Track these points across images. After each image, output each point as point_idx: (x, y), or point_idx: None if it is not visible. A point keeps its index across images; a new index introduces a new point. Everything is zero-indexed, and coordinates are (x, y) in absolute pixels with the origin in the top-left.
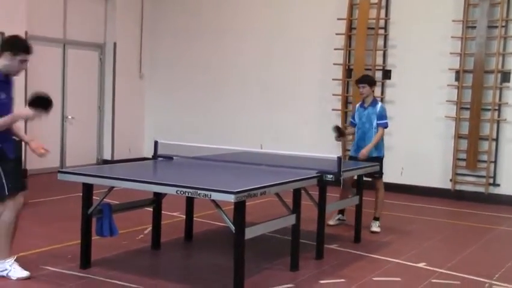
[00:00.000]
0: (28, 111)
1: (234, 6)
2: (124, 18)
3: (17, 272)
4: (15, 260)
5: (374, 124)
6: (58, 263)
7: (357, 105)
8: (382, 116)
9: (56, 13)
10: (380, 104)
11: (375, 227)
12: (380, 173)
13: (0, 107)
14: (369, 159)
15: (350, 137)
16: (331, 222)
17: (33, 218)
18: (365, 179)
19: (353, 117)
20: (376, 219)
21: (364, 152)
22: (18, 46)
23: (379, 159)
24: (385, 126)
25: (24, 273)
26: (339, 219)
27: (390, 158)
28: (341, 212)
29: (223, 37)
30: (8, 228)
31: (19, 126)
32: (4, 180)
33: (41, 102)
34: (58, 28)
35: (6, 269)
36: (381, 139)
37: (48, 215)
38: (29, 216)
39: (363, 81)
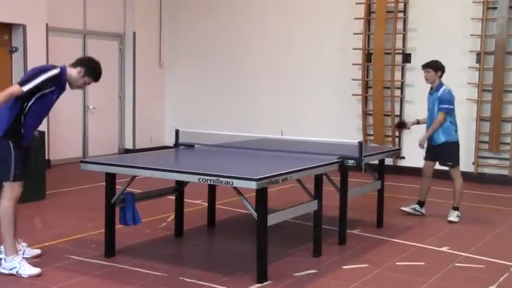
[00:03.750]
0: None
1: None
2: (143, 7)
3: (26, 269)
4: (23, 256)
5: (436, 109)
6: (83, 252)
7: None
8: (443, 100)
9: (76, 4)
10: (444, 87)
11: (453, 216)
12: (450, 162)
13: (44, 105)
14: (438, 146)
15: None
16: (406, 209)
17: (57, 208)
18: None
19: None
20: (455, 209)
21: (420, 140)
22: (93, 72)
23: (449, 146)
24: (446, 111)
25: (35, 270)
26: (415, 209)
27: (413, 141)
28: (420, 203)
29: (243, 24)
30: (8, 219)
31: None
32: (13, 166)
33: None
34: (78, 19)
35: (15, 267)
36: (451, 124)
37: (71, 205)
38: (53, 207)
39: (427, 65)
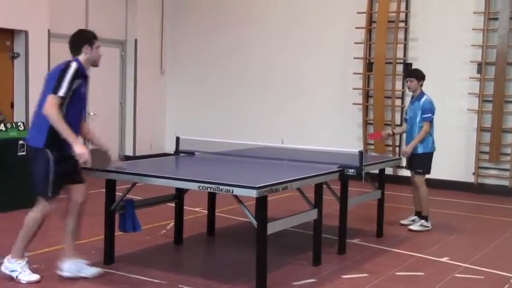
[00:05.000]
0: (84, 150)
1: (255, 1)
2: (145, 14)
3: (26, 275)
4: (26, 262)
5: (418, 119)
6: (82, 258)
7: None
8: (425, 109)
9: (78, 11)
10: (425, 97)
11: (416, 226)
12: (420, 169)
13: (78, 100)
14: (415, 155)
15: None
16: (405, 222)
17: (57, 214)
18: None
19: (406, 113)
20: (423, 218)
21: (405, 149)
22: (90, 36)
23: (425, 155)
24: (430, 120)
25: (34, 277)
26: (413, 220)
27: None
28: (418, 213)
29: (244, 32)
30: (31, 228)
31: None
32: (51, 182)
33: (99, 157)
34: (80, 25)
35: (16, 270)
36: (429, 134)
37: None
38: (53, 212)
39: (410, 74)
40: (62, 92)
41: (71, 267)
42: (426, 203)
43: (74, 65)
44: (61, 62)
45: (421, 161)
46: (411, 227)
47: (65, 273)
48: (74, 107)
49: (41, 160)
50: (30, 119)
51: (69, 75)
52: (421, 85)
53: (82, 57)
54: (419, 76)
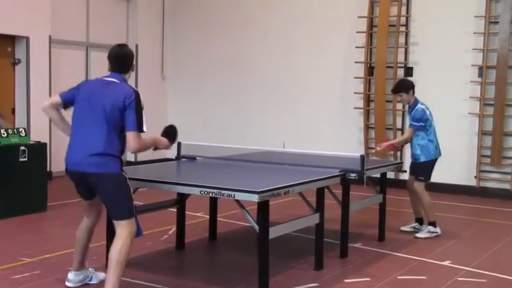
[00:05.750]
0: (167, 141)
1: (255, 5)
2: (146, 20)
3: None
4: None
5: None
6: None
7: None
8: (413, 118)
9: (79, 17)
10: (418, 105)
11: (423, 233)
12: (422, 177)
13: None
14: (417, 164)
15: None
16: (405, 229)
17: (58, 220)
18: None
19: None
20: (430, 223)
21: (379, 145)
22: (133, 56)
23: (427, 163)
24: (414, 127)
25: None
26: (414, 227)
27: None
28: (418, 220)
29: (245, 36)
30: (123, 261)
31: None
32: (132, 200)
33: (172, 133)
34: (81, 31)
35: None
36: (430, 142)
37: (73, 216)
38: (54, 218)
39: (397, 90)
40: (145, 127)
41: (78, 277)
42: (430, 209)
43: (134, 94)
44: (117, 83)
45: (423, 169)
46: (418, 235)
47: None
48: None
49: (121, 183)
50: (85, 145)
51: (141, 104)
52: (413, 93)
53: (126, 77)
54: (406, 88)
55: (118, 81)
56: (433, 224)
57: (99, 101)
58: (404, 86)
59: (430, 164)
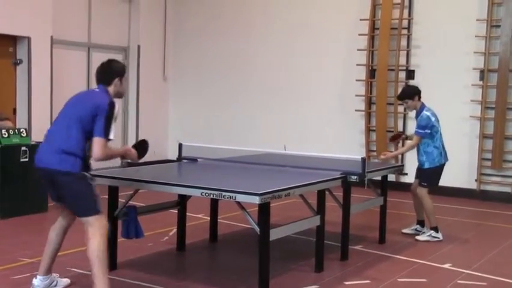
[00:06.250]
0: (135, 155)
1: (257, 7)
2: (148, 21)
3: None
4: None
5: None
6: (84, 265)
7: None
8: (419, 125)
9: (81, 17)
10: (424, 112)
11: (424, 236)
12: (424, 183)
13: None
14: (423, 170)
15: None
16: (406, 231)
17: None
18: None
19: None
20: (431, 228)
21: (383, 154)
22: (121, 70)
23: (432, 170)
24: (419, 135)
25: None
26: (416, 229)
27: (415, 158)
28: (420, 222)
29: (246, 38)
30: (103, 259)
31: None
32: (94, 196)
33: (143, 149)
34: (83, 32)
35: None
36: (436, 148)
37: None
38: (55, 219)
39: (402, 98)
40: (112, 135)
41: (44, 283)
42: (431, 214)
43: (110, 101)
44: (97, 91)
45: (427, 176)
46: (419, 238)
47: None
48: None
49: (81, 181)
50: (47, 139)
51: (112, 112)
52: (419, 99)
53: (111, 89)
54: (410, 94)
55: (98, 90)
56: (435, 229)
57: (76, 104)
58: (408, 93)
59: (434, 171)
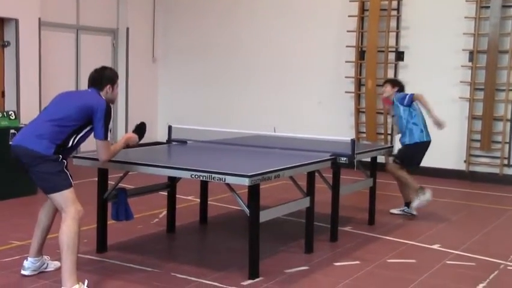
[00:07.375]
0: (136, 137)
1: None
2: (137, 2)
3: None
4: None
5: (402, 110)
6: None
7: None
8: (399, 98)
9: None
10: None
11: (396, 209)
12: (400, 160)
13: (90, 133)
14: (402, 146)
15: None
16: (394, 211)
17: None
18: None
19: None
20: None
21: (437, 121)
22: (114, 77)
23: (408, 147)
24: (409, 102)
25: None
26: (403, 210)
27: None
28: (408, 204)
29: (236, 21)
30: (74, 244)
31: None
32: (68, 174)
33: (143, 130)
34: (71, 14)
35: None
36: (415, 125)
37: None
38: (44, 202)
39: (392, 82)
40: (109, 136)
41: (35, 265)
42: (411, 183)
43: (105, 104)
44: (89, 91)
45: (401, 152)
46: (392, 210)
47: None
48: (84, 137)
49: (51, 161)
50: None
51: (110, 114)
52: (397, 91)
53: (102, 95)
54: (401, 86)
55: (90, 91)
56: (421, 189)
57: (67, 99)
58: (399, 84)
59: (410, 147)
